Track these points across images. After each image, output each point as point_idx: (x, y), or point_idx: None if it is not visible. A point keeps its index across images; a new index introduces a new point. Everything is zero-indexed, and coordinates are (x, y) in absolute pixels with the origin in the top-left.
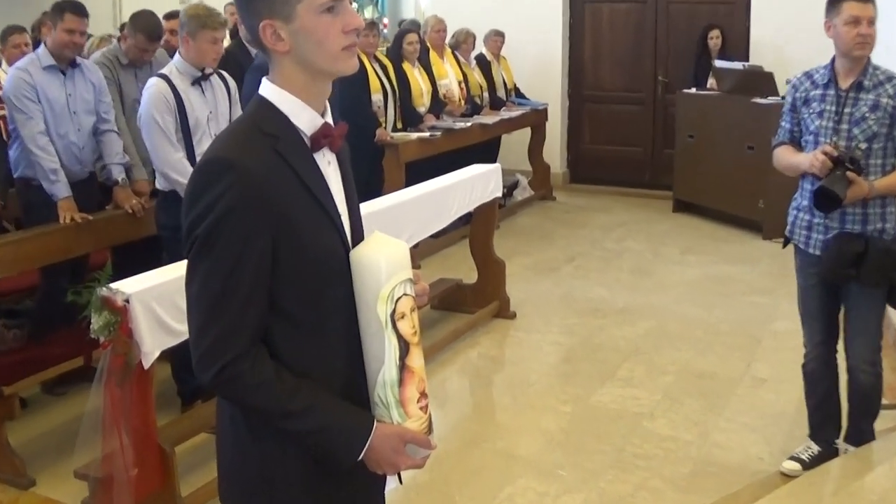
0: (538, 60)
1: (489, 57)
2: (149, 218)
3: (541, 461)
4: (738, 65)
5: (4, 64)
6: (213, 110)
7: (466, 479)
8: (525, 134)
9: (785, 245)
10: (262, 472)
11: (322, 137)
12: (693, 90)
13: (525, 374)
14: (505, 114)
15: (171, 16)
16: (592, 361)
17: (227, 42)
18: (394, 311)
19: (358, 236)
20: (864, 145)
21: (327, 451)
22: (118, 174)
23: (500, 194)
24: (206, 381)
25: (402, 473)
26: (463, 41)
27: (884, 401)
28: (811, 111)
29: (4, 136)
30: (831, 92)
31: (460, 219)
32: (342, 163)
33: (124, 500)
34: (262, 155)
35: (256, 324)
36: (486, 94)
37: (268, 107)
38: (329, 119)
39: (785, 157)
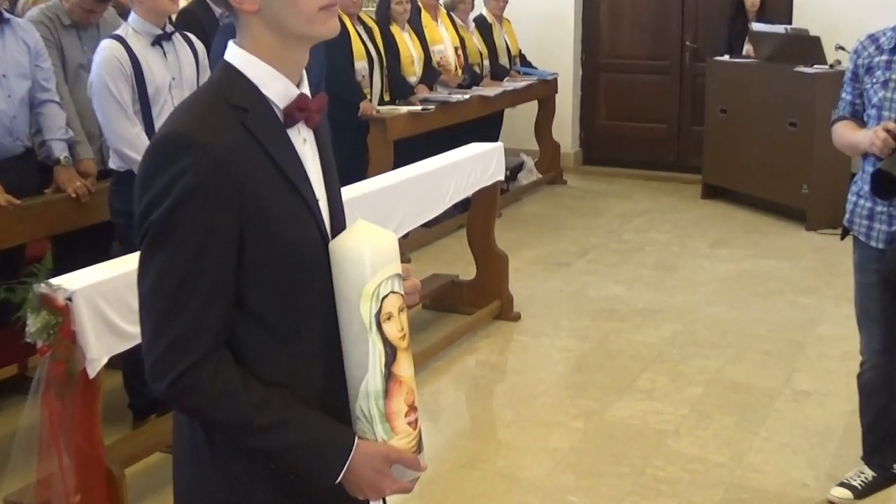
0: (547, 23)
1: (490, 19)
2: (95, 203)
3: (548, 486)
4: (779, 28)
5: None
6: (177, 76)
7: None
8: (531, 108)
9: (843, 236)
10: (226, 498)
11: (297, 111)
12: (726, 57)
13: (530, 384)
14: (508, 85)
15: None
16: (608, 370)
17: (185, 0)
18: (379, 310)
19: (338, 225)
20: None
21: (301, 473)
22: (60, 151)
23: (502, 177)
24: (161, 392)
25: (388, 499)
26: (460, 1)
27: None
28: (874, 81)
29: None
30: None
31: (457, 206)
32: (320, 140)
33: None
34: (228, 130)
35: (220, 325)
36: (486, 63)
37: (234, 75)
38: (305, 90)
39: (844, 134)
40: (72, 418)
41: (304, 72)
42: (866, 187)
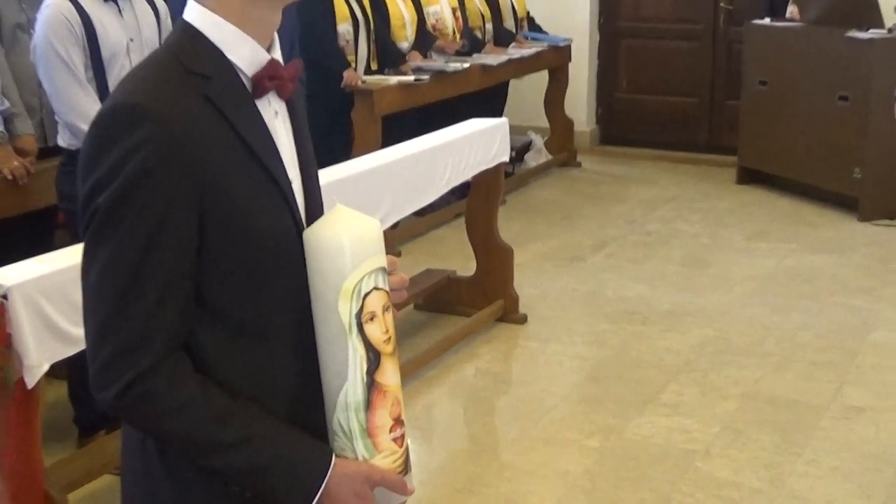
0: None
1: None
2: (35, 185)
3: None
4: None
5: None
6: (135, 37)
7: None
8: (541, 79)
9: None
10: None
11: (267, 79)
12: (766, 21)
13: (538, 397)
14: (514, 52)
15: None
16: (628, 382)
17: None
18: (361, 309)
19: (315, 211)
20: None
21: (270, 496)
22: None
23: (506, 159)
24: (108, 403)
25: None
26: None
27: None
28: None
29: None
30: None
31: (454, 191)
32: (294, 114)
33: None
34: (187, 101)
35: (176, 326)
36: (488, 26)
37: (194, 37)
38: (277, 55)
39: None
40: (6, 435)
41: (276, 35)
42: None
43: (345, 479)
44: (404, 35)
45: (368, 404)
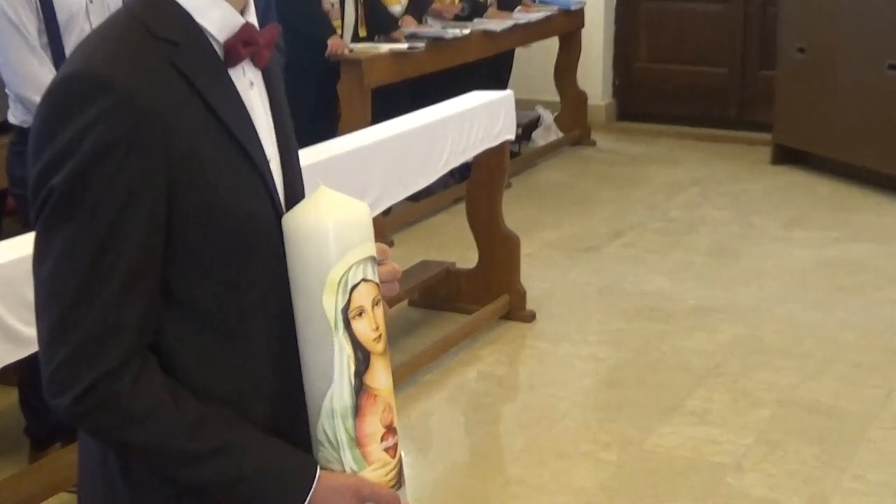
0: None
1: None
2: None
3: None
4: None
5: None
6: None
7: None
8: (550, 47)
9: None
10: None
11: (241, 45)
12: None
13: (549, 403)
14: (520, 17)
15: None
16: (650, 386)
17: None
18: (347, 304)
19: (295, 194)
20: None
21: None
22: None
23: (512, 136)
24: (64, 410)
25: None
26: None
27: None
28: None
29: None
30: None
31: (453, 173)
32: (271, 85)
33: None
34: (152, 70)
35: (141, 323)
36: None
37: None
38: (252, 19)
39: None
40: None
41: None
42: None
43: (331, 493)
44: None
45: (357, 410)
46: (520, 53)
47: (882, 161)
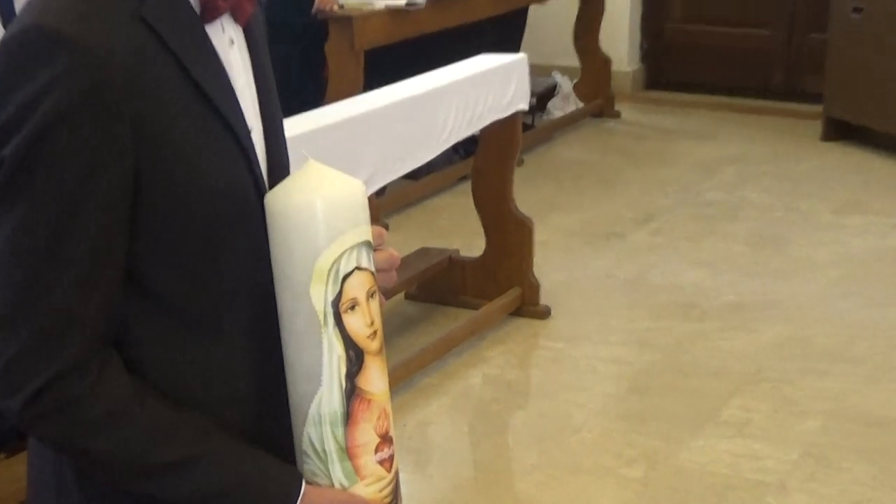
0: None
1: None
2: None
3: None
4: None
5: None
6: None
7: None
8: (569, 4)
9: None
10: None
11: None
12: None
13: (565, 412)
14: None
15: None
16: (680, 393)
17: None
18: (339, 296)
19: (280, 168)
20: None
21: None
22: None
23: (525, 106)
24: (14, 414)
25: None
26: None
27: None
28: None
29: None
30: None
31: (457, 148)
32: (254, 44)
33: None
34: (118, 25)
35: (102, 316)
36: None
37: None
38: None
39: None
40: None
41: None
42: None
43: None
44: None
45: (348, 417)
46: (534, 11)
47: None
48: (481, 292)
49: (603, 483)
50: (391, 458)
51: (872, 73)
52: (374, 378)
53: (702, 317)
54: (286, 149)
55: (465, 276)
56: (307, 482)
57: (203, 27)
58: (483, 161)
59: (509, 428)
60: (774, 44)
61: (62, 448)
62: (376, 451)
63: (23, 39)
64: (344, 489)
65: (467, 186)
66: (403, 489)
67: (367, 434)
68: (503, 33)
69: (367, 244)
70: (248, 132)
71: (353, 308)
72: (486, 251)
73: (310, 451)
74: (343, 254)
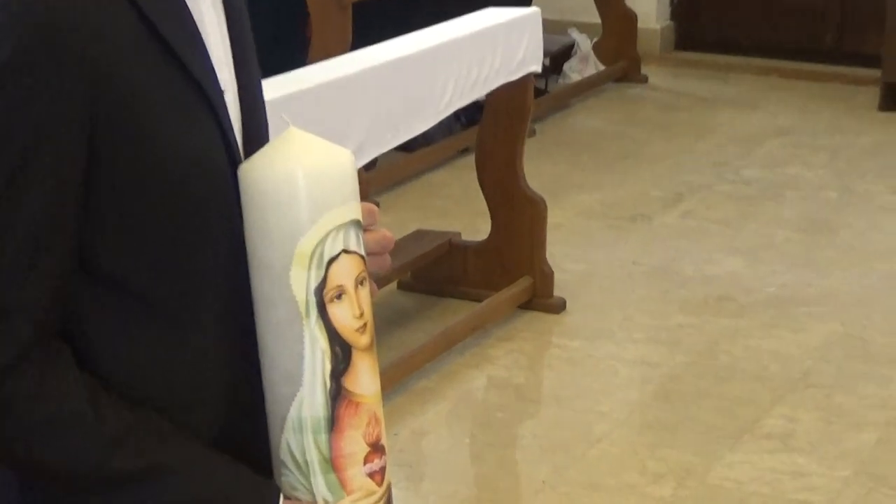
0: None
1: None
2: None
3: None
4: None
5: None
6: None
7: None
8: None
9: None
10: None
11: None
12: None
13: (582, 421)
14: None
15: None
16: (716, 400)
17: None
18: (323, 283)
19: (256, 135)
20: None
21: None
22: None
23: (538, 68)
24: None
25: None
26: None
27: None
28: None
29: None
30: None
31: (459, 116)
32: None
33: None
34: None
35: (48, 304)
36: None
37: None
38: None
39: None
40: None
41: None
42: None
43: None
44: None
45: (333, 423)
46: None
47: None
48: (486, 282)
49: (625, 502)
50: (382, 470)
51: None
52: (364, 378)
53: (740, 312)
54: (265, 114)
55: (466, 262)
56: (285, 497)
57: None
58: (489, 131)
59: (517, 439)
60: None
61: (1, 458)
62: (365, 461)
63: None
64: None
65: (470, 160)
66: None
67: (354, 442)
68: None
69: (356, 223)
70: (221, 93)
71: (339, 297)
72: (491, 234)
73: (289, 461)
74: (328, 234)
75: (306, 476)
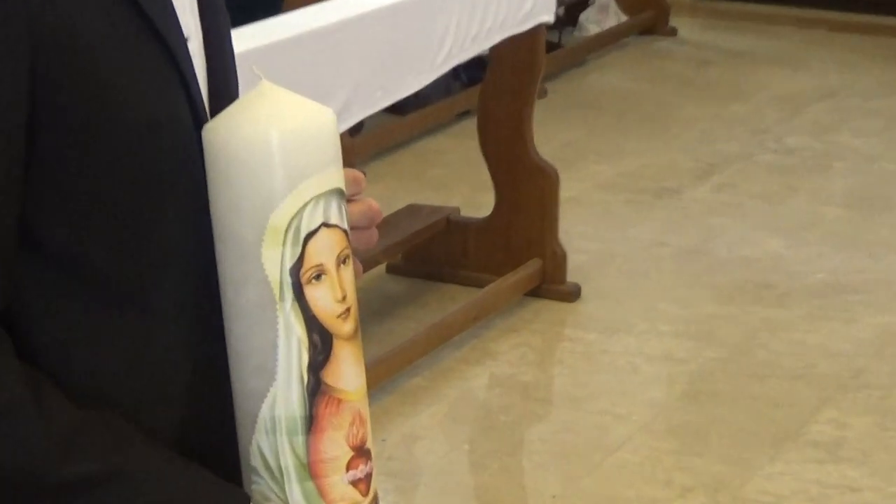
0: None
1: None
2: None
3: None
4: None
5: None
6: None
7: None
8: None
9: None
10: None
11: None
12: None
13: (598, 425)
14: None
15: None
16: (753, 402)
17: None
18: (300, 261)
19: (225, 90)
20: None
21: None
22: None
23: (550, 18)
24: None
25: None
26: None
27: None
28: None
29: None
30: None
31: (458, 73)
32: None
33: None
34: None
35: None
36: None
37: None
38: None
39: None
40: None
41: None
42: None
43: None
44: None
45: (311, 422)
46: None
47: None
48: (488, 265)
49: None
50: (368, 477)
51: None
52: (346, 371)
53: (782, 301)
54: (234, 67)
55: (466, 242)
56: None
57: None
58: (493, 91)
59: (524, 446)
60: None
61: None
62: (348, 467)
63: None
64: None
65: (471, 124)
66: None
67: (336, 445)
68: None
69: (339, 193)
70: (184, 41)
71: (318, 278)
72: (495, 210)
73: (260, 466)
74: (306, 205)
75: (280, 484)
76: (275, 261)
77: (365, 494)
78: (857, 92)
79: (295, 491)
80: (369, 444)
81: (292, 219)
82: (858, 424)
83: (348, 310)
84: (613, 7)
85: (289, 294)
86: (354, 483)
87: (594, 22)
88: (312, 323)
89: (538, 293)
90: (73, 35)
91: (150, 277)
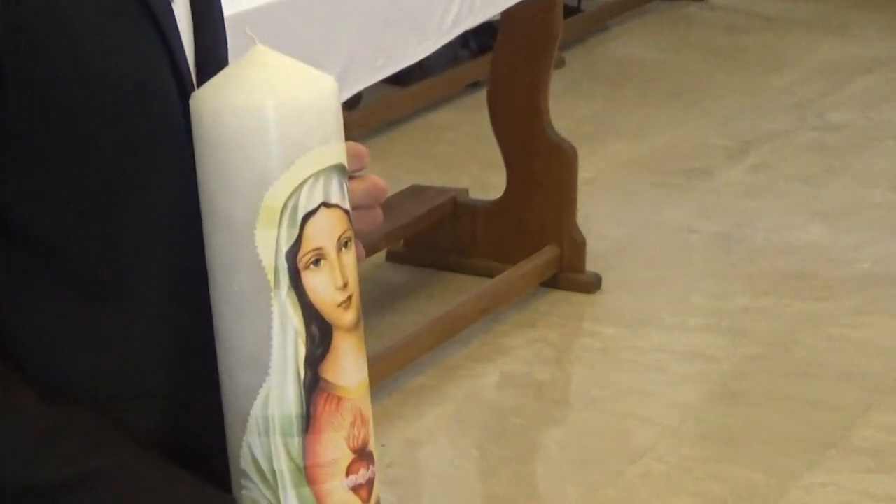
0: None
1: None
2: None
3: None
4: None
5: None
6: None
7: None
8: None
9: None
10: None
11: None
12: None
13: (621, 429)
14: None
15: None
16: (793, 405)
17: None
18: (297, 244)
19: (214, 56)
20: None
21: None
22: None
23: None
24: None
25: None
26: None
27: None
28: None
29: None
30: None
31: (467, 40)
32: None
33: None
34: None
35: None
36: None
37: None
38: None
39: None
40: None
41: None
42: None
43: None
44: None
45: (308, 422)
46: None
47: None
48: (499, 252)
49: None
50: (370, 483)
51: None
52: (347, 366)
53: (824, 293)
54: (224, 31)
55: (475, 227)
56: None
57: None
58: (505, 61)
59: (539, 450)
60: None
61: None
62: (349, 472)
63: None
64: None
65: (481, 97)
66: None
67: (335, 448)
68: None
69: (340, 169)
70: (169, 4)
71: (316, 263)
72: (506, 192)
73: (251, 470)
74: (304, 183)
75: (273, 489)
76: (269, 244)
77: (366, 501)
78: None
79: (290, 497)
80: (371, 447)
81: (289, 198)
82: None
83: (350, 298)
84: None
85: (284, 280)
86: (355, 489)
87: None
88: (310, 312)
89: (554, 283)
90: (46, 9)
91: (130, 263)
